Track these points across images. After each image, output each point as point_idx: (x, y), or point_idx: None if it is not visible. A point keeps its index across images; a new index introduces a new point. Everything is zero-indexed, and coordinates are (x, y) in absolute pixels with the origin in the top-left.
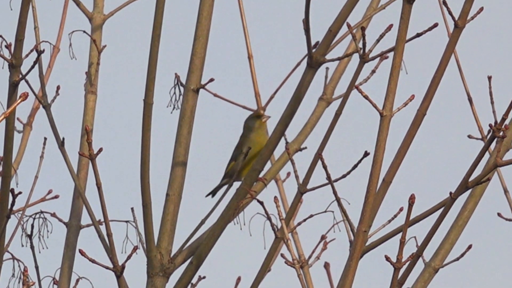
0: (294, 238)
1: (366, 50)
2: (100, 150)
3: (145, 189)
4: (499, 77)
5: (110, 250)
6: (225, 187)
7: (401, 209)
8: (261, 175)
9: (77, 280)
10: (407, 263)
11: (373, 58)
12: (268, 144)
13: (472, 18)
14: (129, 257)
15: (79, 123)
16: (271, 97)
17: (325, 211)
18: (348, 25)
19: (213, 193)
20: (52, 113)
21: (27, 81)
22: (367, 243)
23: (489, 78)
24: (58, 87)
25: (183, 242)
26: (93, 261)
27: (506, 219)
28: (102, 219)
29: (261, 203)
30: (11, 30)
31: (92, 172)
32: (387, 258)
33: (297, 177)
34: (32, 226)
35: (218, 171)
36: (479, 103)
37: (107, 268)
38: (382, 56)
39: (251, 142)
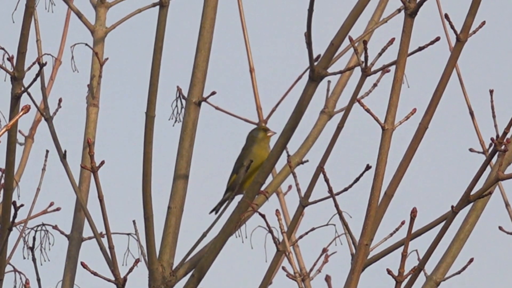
0: (296, 251)
1: (368, 64)
2: (102, 162)
3: (147, 201)
4: (500, 91)
5: (112, 263)
6: (224, 204)
7: (402, 223)
8: (262, 188)
9: None
10: (409, 277)
11: (375, 72)
12: (270, 157)
13: (474, 32)
14: (131, 270)
15: (81, 135)
16: (273, 110)
17: (327, 224)
18: (350, 39)
19: (216, 209)
20: (54, 126)
21: (29, 94)
22: (369, 257)
23: (491, 92)
24: (60, 100)
25: (184, 255)
26: (95, 274)
27: (508, 233)
28: (104, 232)
29: (263, 216)
30: (14, 42)
31: (94, 184)
32: (389, 272)
33: (298, 190)
34: (34, 238)
35: (220, 184)
36: (480, 116)
37: (109, 280)
38: (384, 69)
39: (252, 155)
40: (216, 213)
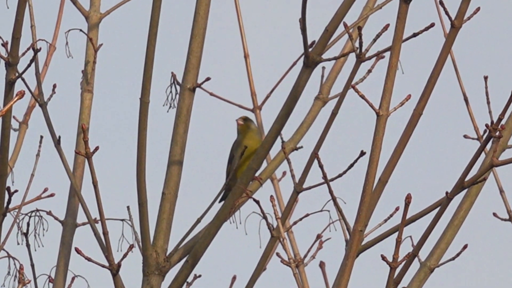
0: (290, 237)
1: (363, 50)
2: (97, 148)
3: (141, 187)
4: (495, 77)
5: (106, 249)
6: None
7: (397, 209)
8: (257, 174)
9: (73, 278)
10: (403, 263)
11: (370, 58)
12: (264, 143)
13: (469, 18)
14: (125, 256)
15: (75, 121)
16: (267, 96)
17: (321, 210)
18: (345, 25)
19: (221, 198)
20: (49, 112)
21: (23, 80)
22: (363, 243)
23: (485, 78)
24: (54, 86)
25: (179, 241)
26: (89, 260)
27: (502, 219)
28: (98, 218)
29: (257, 202)
30: (8, 28)
31: (88, 170)
32: (383, 258)
33: (293, 176)
34: (28, 224)
35: (215, 170)
36: (475, 103)
37: (103, 266)
38: (379, 55)
39: (238, 145)
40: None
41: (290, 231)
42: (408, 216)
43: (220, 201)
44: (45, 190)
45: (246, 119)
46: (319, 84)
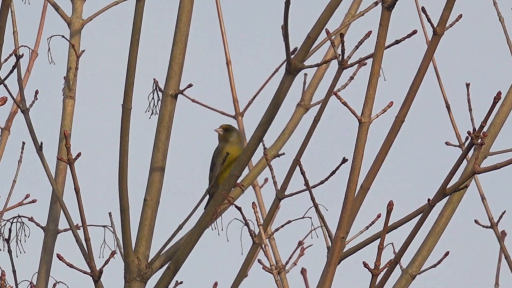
0: (272, 244)
1: (345, 57)
2: (79, 155)
3: (123, 194)
4: (477, 85)
5: (88, 255)
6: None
7: (378, 216)
8: (239, 181)
9: (54, 285)
10: (385, 270)
11: (352, 65)
12: (246, 150)
13: (451, 25)
14: (107, 262)
15: (57, 127)
16: (249, 103)
17: (303, 217)
18: (327, 32)
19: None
20: (31, 118)
21: (5, 85)
22: (345, 249)
23: (467, 85)
24: (36, 92)
25: (160, 247)
26: (71, 266)
27: (483, 226)
28: (80, 224)
29: (239, 208)
30: None
31: (70, 177)
32: (365, 265)
33: (275, 183)
34: (10, 230)
35: (196, 177)
36: (457, 110)
37: (85, 272)
38: (361, 62)
39: (219, 153)
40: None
41: (271, 238)
42: (390, 223)
43: (203, 208)
44: (27, 196)
45: (227, 129)
46: (301, 90)
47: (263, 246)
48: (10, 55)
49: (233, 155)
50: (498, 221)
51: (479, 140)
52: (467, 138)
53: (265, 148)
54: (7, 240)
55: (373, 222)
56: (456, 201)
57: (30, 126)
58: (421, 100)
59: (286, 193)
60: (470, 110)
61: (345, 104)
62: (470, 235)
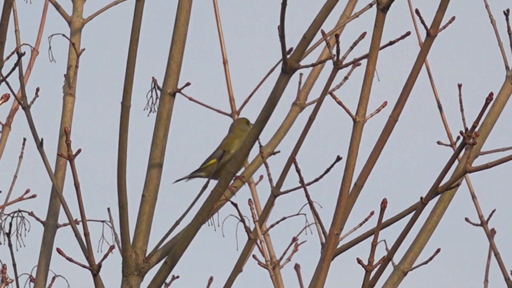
0: (266, 239)
1: (340, 57)
2: (79, 151)
3: (122, 190)
4: (468, 85)
5: (87, 249)
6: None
7: (372, 213)
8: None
9: (53, 278)
10: (378, 266)
11: (347, 65)
12: (242, 148)
13: (444, 27)
14: (105, 256)
15: (58, 124)
16: (245, 102)
17: (298, 214)
18: (323, 32)
19: (180, 180)
20: (32, 114)
21: (7, 83)
22: (338, 246)
23: (459, 86)
24: (37, 89)
25: (158, 242)
26: (70, 260)
27: (474, 224)
28: (79, 219)
29: (235, 205)
30: None
31: (69, 172)
32: (359, 261)
33: (270, 180)
34: (10, 224)
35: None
36: (448, 110)
37: (84, 266)
38: (355, 63)
39: (232, 145)
40: (181, 180)
41: (266, 234)
42: (383, 220)
43: (179, 180)
44: (27, 191)
45: (248, 122)
46: (297, 90)
47: (258, 242)
48: (12, 53)
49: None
50: (488, 219)
51: (471, 140)
52: (458, 138)
53: (261, 146)
54: (8, 234)
55: (366, 219)
56: (448, 199)
57: (31, 123)
58: (414, 100)
59: (281, 190)
60: (461, 110)
61: (340, 103)
62: (460, 232)
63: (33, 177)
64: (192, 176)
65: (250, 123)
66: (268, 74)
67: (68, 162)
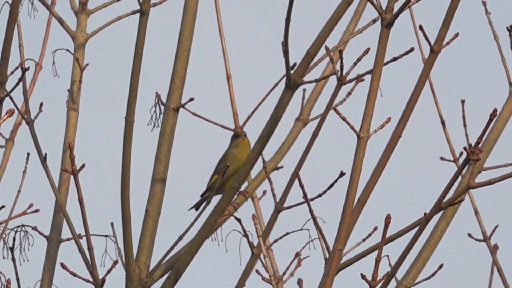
0: (269, 254)
1: (343, 73)
2: (83, 166)
3: (125, 204)
4: (471, 101)
5: (90, 264)
6: (204, 203)
7: (375, 228)
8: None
9: None
10: (382, 282)
11: (350, 81)
12: (246, 163)
13: (448, 43)
14: (109, 271)
15: (61, 139)
16: (249, 117)
17: (301, 229)
18: (326, 48)
19: (196, 206)
20: (35, 129)
21: (11, 98)
22: (342, 261)
23: (462, 102)
24: (41, 104)
25: (161, 257)
26: (74, 274)
27: (477, 240)
28: (82, 233)
29: (239, 220)
30: None
31: (73, 187)
32: (363, 277)
33: (274, 195)
34: (14, 239)
35: (196, 188)
36: (451, 126)
37: (87, 281)
38: (359, 78)
39: (233, 157)
40: (196, 209)
41: (269, 249)
42: (387, 236)
43: (192, 208)
44: (30, 205)
45: (238, 135)
46: (300, 105)
47: (262, 257)
48: (16, 68)
49: (243, 160)
50: (491, 235)
51: (475, 156)
52: (461, 153)
53: (264, 161)
54: (11, 249)
55: (369, 235)
56: (451, 215)
57: (35, 138)
58: (417, 116)
59: (285, 205)
60: (465, 126)
61: (344, 119)
62: (463, 248)
63: (37, 192)
64: (204, 199)
65: (241, 135)
66: (272, 89)
67: (71, 176)
